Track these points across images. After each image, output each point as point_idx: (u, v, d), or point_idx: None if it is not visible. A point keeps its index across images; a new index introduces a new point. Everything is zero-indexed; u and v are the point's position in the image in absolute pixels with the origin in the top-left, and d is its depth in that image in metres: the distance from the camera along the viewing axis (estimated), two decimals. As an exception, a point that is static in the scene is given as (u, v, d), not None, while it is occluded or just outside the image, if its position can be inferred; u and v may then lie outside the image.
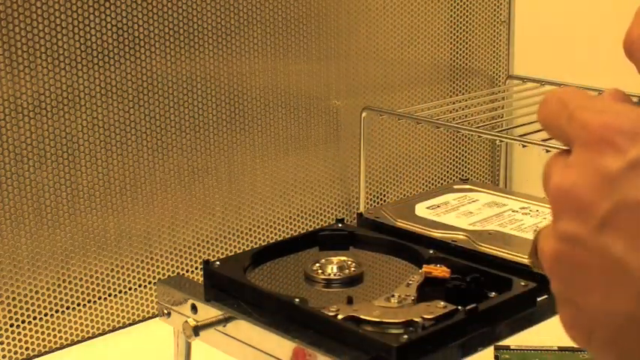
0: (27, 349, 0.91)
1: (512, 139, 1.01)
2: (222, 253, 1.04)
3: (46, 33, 0.87)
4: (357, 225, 0.69)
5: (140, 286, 0.98)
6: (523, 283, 0.56)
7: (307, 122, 1.09)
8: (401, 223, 0.67)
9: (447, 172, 1.27)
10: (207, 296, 0.58)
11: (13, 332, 0.90)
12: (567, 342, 0.97)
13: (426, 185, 1.25)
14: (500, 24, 1.27)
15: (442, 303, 0.53)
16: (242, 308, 0.56)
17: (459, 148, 1.28)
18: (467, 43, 1.25)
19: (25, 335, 0.90)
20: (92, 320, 0.95)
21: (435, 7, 1.20)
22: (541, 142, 0.92)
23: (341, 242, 0.65)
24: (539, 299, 0.57)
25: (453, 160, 1.27)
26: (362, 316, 0.52)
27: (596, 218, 0.32)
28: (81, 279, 0.94)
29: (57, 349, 0.93)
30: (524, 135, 0.97)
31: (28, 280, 0.90)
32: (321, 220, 1.14)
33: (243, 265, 0.61)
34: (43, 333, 0.92)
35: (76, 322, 0.94)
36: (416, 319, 0.51)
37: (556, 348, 0.89)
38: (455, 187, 0.75)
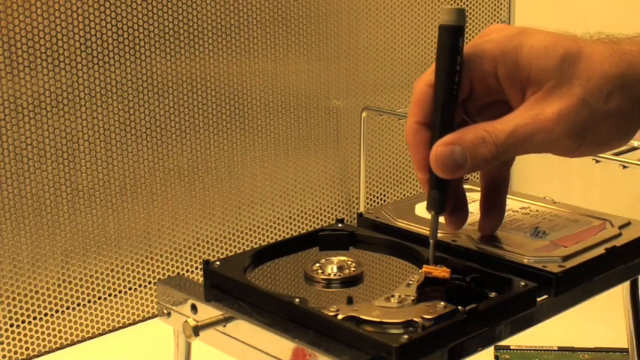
0: (27, 349, 0.91)
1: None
2: (222, 253, 1.04)
3: (46, 33, 0.87)
4: (357, 225, 0.69)
5: (140, 286, 0.98)
6: (523, 283, 0.56)
7: (307, 122, 1.09)
8: (401, 223, 0.67)
9: (447, 172, 1.27)
10: (207, 296, 0.58)
11: (13, 332, 0.90)
12: (567, 342, 0.96)
13: (426, 185, 1.25)
14: (500, 24, 1.27)
15: (442, 303, 0.53)
16: (242, 308, 0.56)
17: (459, 148, 1.27)
18: (467, 43, 1.24)
19: (25, 335, 0.90)
20: (92, 320, 0.95)
21: (435, 7, 1.20)
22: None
23: (341, 242, 0.65)
24: (539, 299, 0.57)
25: (453, 160, 1.27)
26: (362, 316, 0.51)
27: None
28: (81, 279, 0.94)
29: (57, 349, 0.93)
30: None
31: (28, 280, 0.90)
32: (321, 220, 1.14)
33: (243, 265, 0.61)
34: (43, 333, 0.92)
35: (76, 322, 0.94)
36: (416, 319, 0.51)
37: (556, 348, 0.89)
38: (455, 187, 0.75)
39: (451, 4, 1.21)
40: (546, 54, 0.55)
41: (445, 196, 0.58)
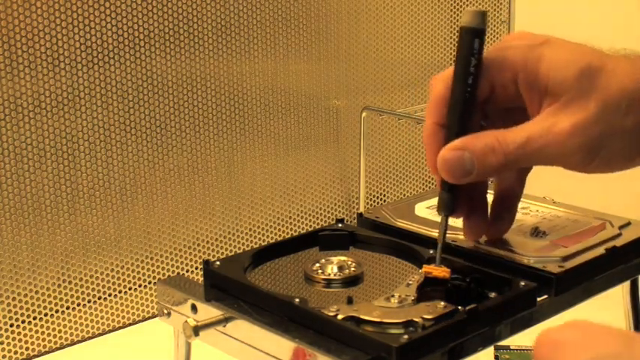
0: (27, 349, 0.91)
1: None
2: (222, 253, 1.04)
3: (46, 33, 0.87)
4: (357, 225, 0.69)
5: (140, 286, 0.98)
6: (523, 283, 0.56)
7: (307, 122, 1.09)
8: (401, 223, 0.67)
9: (447, 172, 1.27)
10: (207, 296, 0.58)
11: (13, 332, 0.90)
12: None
13: (426, 185, 1.25)
14: (501, 24, 1.27)
15: (442, 303, 0.53)
16: (242, 308, 0.56)
17: (459, 148, 1.27)
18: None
19: (25, 335, 0.90)
20: (92, 320, 0.95)
21: (435, 7, 1.20)
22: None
23: (341, 242, 0.65)
24: (539, 299, 0.57)
25: (453, 160, 1.27)
26: (362, 316, 0.51)
27: None
28: (81, 279, 0.94)
29: (57, 349, 0.93)
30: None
31: (28, 280, 0.90)
32: (321, 220, 1.14)
33: (243, 265, 0.61)
34: (43, 333, 0.92)
35: (76, 322, 0.94)
36: (416, 319, 0.51)
37: (556, 348, 0.89)
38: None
39: (451, 4, 1.21)
40: (566, 66, 0.54)
41: (455, 198, 0.58)
